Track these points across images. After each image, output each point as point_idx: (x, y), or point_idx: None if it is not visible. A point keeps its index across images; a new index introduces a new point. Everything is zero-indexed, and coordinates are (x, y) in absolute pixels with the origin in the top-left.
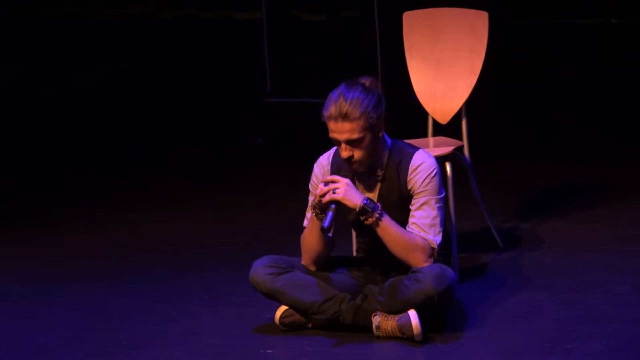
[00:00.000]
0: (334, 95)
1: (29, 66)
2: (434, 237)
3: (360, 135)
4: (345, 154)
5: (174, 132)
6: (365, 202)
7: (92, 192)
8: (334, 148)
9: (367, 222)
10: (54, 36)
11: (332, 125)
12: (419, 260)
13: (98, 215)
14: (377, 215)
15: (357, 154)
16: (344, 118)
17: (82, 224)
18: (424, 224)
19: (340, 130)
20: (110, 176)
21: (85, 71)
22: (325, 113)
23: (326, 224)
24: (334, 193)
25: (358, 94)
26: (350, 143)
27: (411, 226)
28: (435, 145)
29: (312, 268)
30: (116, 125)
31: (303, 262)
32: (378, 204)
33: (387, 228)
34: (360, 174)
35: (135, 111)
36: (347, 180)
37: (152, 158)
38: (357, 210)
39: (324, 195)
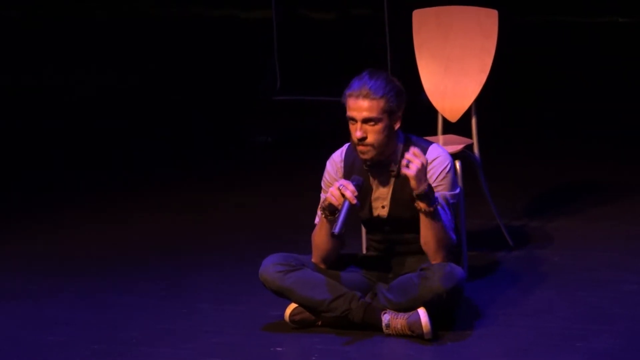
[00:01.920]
0: (358, 76)
1: (29, 65)
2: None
3: (379, 115)
4: (358, 134)
5: (174, 132)
6: (428, 189)
7: (92, 192)
8: (346, 145)
9: (420, 206)
10: (55, 34)
11: (351, 102)
12: (441, 257)
13: (98, 215)
14: (435, 206)
15: (371, 137)
16: (365, 96)
17: (83, 224)
18: None
19: (360, 107)
20: (110, 176)
21: (87, 70)
22: (348, 91)
23: (337, 230)
24: (407, 167)
25: (382, 79)
26: (367, 122)
27: None
28: (445, 143)
29: (322, 266)
30: (116, 125)
31: (313, 260)
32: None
33: (437, 221)
34: (372, 168)
35: (135, 111)
36: (425, 159)
37: (152, 158)
38: (417, 193)
39: (333, 197)
